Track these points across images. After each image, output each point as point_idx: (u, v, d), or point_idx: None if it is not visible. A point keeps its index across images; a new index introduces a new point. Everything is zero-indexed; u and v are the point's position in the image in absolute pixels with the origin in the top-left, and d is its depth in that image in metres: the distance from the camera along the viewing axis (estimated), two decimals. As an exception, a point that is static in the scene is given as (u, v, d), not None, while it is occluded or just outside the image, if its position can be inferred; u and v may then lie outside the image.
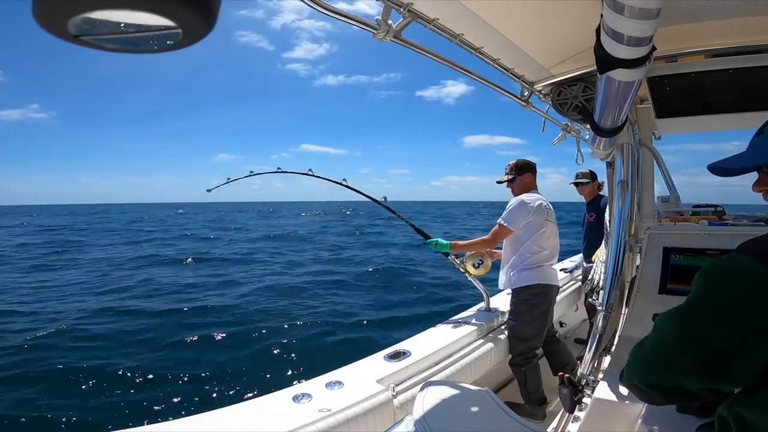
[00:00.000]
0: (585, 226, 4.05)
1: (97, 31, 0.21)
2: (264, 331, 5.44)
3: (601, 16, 1.24)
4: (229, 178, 2.99)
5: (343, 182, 2.88)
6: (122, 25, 0.21)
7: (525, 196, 2.66)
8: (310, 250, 14.78)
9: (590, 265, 3.50)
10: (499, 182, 2.87)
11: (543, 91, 2.47)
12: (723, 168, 0.86)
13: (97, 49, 0.22)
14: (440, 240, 2.68)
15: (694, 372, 0.69)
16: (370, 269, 10.26)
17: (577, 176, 4.02)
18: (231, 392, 3.86)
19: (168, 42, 0.23)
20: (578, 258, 4.43)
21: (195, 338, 5.18)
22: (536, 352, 2.64)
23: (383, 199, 2.92)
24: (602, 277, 2.82)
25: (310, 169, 2.88)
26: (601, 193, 3.96)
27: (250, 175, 2.97)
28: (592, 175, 3.97)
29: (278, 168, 2.93)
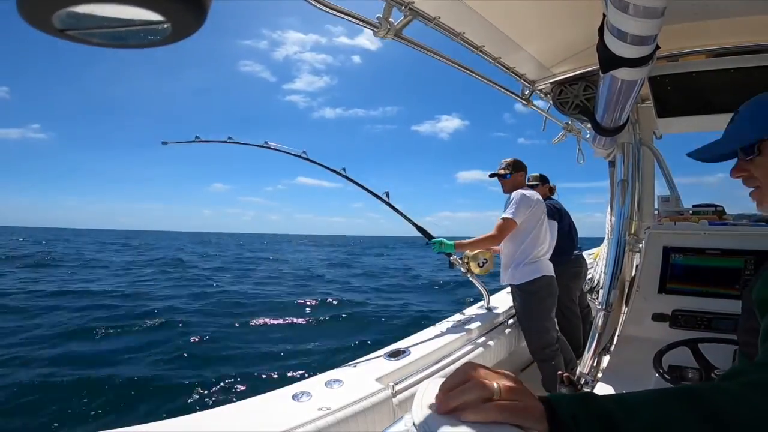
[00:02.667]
0: None
1: (83, 25, 0.21)
2: (264, 331, 5.44)
3: (604, 15, 1.23)
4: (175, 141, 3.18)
5: (342, 172, 2.78)
6: (109, 19, 0.21)
7: (524, 191, 2.65)
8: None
9: None
10: (492, 175, 2.86)
11: (544, 90, 2.46)
12: (703, 155, 0.86)
13: (83, 44, 0.22)
14: (444, 240, 2.67)
15: None
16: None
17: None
18: (230, 391, 3.86)
19: (156, 36, 0.22)
20: None
21: (195, 338, 5.19)
22: (555, 342, 2.62)
23: (385, 195, 2.86)
24: (602, 276, 2.82)
25: (266, 142, 2.84)
26: (554, 197, 3.59)
27: (194, 141, 3.01)
28: (542, 179, 3.57)
29: (229, 137, 2.92)
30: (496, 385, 0.43)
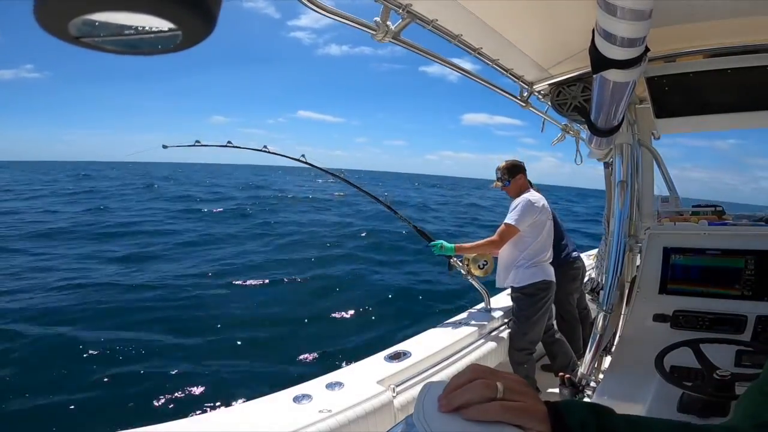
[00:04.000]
0: None
1: (98, 32, 0.21)
2: (263, 331, 5.43)
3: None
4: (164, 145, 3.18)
5: (341, 175, 2.79)
6: (122, 27, 0.21)
7: (530, 196, 2.66)
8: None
9: None
10: (491, 188, 2.88)
11: (542, 92, 2.47)
12: None
13: (97, 51, 0.22)
14: (444, 243, 2.67)
15: None
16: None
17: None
18: (231, 393, 3.85)
19: (168, 44, 0.23)
20: None
21: (194, 338, 5.18)
22: (535, 348, 2.66)
23: (384, 198, 2.85)
24: (602, 276, 2.82)
25: (264, 146, 2.86)
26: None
27: (194, 145, 3.01)
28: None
29: (228, 142, 2.94)
30: (499, 385, 0.43)
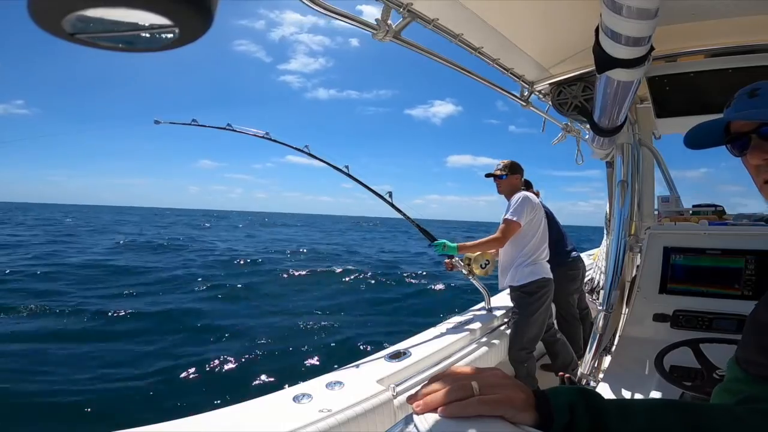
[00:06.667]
0: None
1: (93, 29, 0.21)
2: (263, 330, 5.44)
3: (601, 15, 1.24)
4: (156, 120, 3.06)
5: (345, 169, 2.68)
6: (118, 23, 0.21)
7: (526, 193, 2.66)
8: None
9: None
10: (488, 175, 2.86)
11: (543, 91, 2.47)
12: (699, 140, 0.78)
13: (92, 48, 0.22)
14: (447, 242, 2.67)
15: None
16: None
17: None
18: (231, 392, 3.85)
19: (164, 41, 0.23)
20: None
21: (192, 338, 5.18)
22: (535, 347, 2.65)
23: (388, 195, 2.81)
24: (602, 277, 2.82)
25: (266, 133, 2.72)
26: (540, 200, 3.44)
27: (190, 124, 2.86)
28: (527, 184, 3.29)
29: (228, 124, 2.76)
30: (474, 384, 0.44)
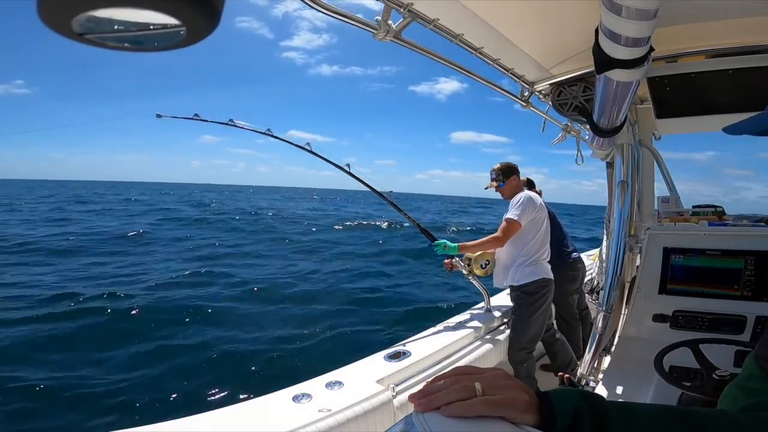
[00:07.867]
0: None
1: (101, 29, 0.21)
2: (263, 330, 5.43)
3: (600, 16, 1.24)
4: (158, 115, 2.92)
5: (346, 168, 2.68)
6: (126, 23, 0.21)
7: (529, 193, 2.66)
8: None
9: None
10: (487, 188, 2.85)
11: (543, 92, 2.47)
12: (753, 127, 0.76)
13: (100, 47, 0.22)
14: (448, 242, 2.65)
15: None
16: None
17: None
18: (231, 392, 3.85)
19: (171, 40, 0.23)
20: None
21: (192, 338, 5.17)
22: (535, 347, 2.65)
23: (388, 194, 2.79)
24: (602, 277, 2.82)
25: (268, 129, 2.69)
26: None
27: (192, 118, 2.81)
28: (530, 183, 3.33)
29: (230, 120, 2.74)
30: (477, 384, 0.44)
